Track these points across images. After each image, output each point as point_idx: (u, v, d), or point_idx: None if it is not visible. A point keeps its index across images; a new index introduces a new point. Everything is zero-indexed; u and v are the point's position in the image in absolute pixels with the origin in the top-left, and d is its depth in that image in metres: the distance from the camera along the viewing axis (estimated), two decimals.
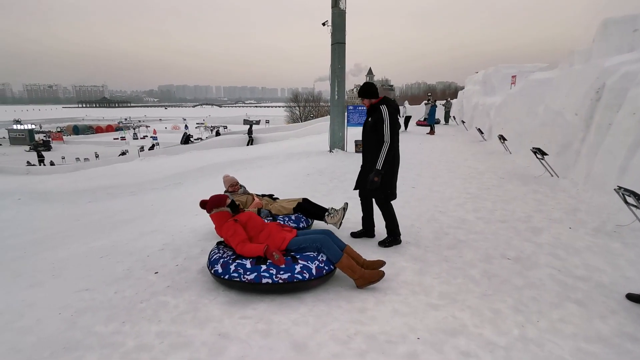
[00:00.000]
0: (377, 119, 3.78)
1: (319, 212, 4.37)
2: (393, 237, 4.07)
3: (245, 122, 59.25)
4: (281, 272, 2.91)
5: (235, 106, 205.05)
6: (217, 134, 23.79)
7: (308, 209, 4.45)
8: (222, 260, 3.12)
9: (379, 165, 3.75)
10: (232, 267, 3.00)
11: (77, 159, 30.80)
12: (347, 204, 4.28)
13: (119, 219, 7.35)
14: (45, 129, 50.29)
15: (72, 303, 3.04)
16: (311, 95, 49.84)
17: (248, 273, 2.93)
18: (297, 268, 2.94)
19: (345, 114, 10.85)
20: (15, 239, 7.24)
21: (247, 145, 21.96)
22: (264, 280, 2.90)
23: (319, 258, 3.08)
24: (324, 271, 3.04)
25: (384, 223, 4.14)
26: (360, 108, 10.98)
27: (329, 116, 12.21)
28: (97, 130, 53.63)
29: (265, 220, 3.74)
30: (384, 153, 3.74)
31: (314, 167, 8.48)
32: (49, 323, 2.75)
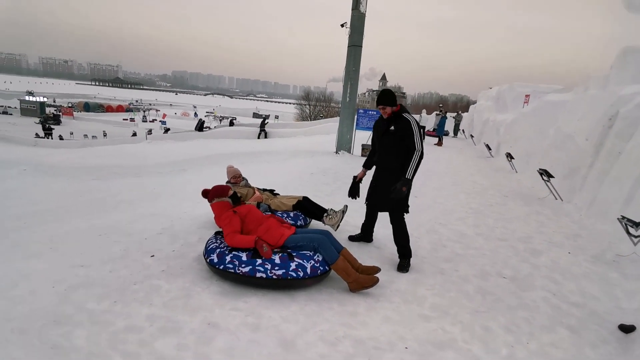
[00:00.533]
0: (402, 128, 3.58)
1: (318, 211, 4.35)
2: (409, 257, 3.80)
3: (255, 115, 59.39)
4: (276, 268, 2.91)
5: (246, 99, 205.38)
6: (231, 123, 23.89)
7: (307, 208, 4.42)
8: (218, 250, 3.14)
9: (410, 174, 3.47)
10: (228, 258, 3.01)
11: (85, 135, 31.02)
12: (346, 206, 4.19)
13: (121, 199, 7.37)
14: (57, 103, 50.66)
15: (67, 278, 3.06)
16: (322, 95, 49.87)
17: (243, 265, 2.94)
18: (292, 266, 2.94)
19: (355, 117, 10.85)
20: (17, 209, 7.28)
21: (258, 138, 22.02)
22: (258, 275, 2.91)
23: (315, 258, 3.08)
24: (319, 271, 3.04)
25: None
26: (370, 112, 10.97)
27: (338, 117, 12.20)
28: (108, 109, 53.96)
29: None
30: (416, 162, 3.50)
31: (318, 167, 8.49)
32: (42, 295, 2.77)
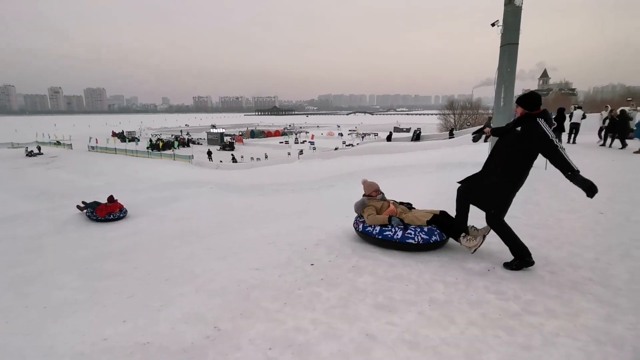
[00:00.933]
0: (528, 129, 3.30)
1: (456, 228, 4.01)
2: (521, 260, 3.53)
3: (396, 129, 59.38)
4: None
5: (387, 114, 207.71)
6: (389, 139, 25.08)
7: (444, 222, 4.12)
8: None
9: (575, 167, 3.09)
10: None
11: (252, 158, 36.50)
12: (489, 229, 3.74)
13: (280, 212, 8.36)
14: (231, 133, 61.47)
15: (247, 278, 3.62)
16: (469, 102, 46.39)
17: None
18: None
19: None
20: (208, 220, 9.06)
21: (412, 140, 22.93)
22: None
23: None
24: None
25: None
26: None
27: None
28: (268, 134, 62.43)
29: (397, 229, 4.11)
30: (567, 156, 3.14)
31: None
32: (230, 291, 3.34)
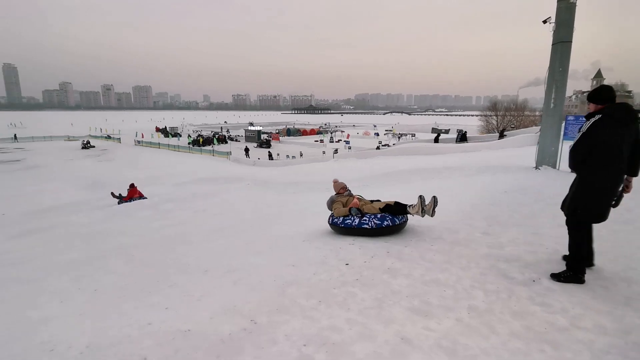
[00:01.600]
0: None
1: (403, 208, 4.86)
2: (573, 272, 3.30)
3: (434, 130, 57.92)
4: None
5: (425, 114, 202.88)
6: (436, 140, 24.59)
7: (395, 209, 4.92)
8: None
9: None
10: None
11: (287, 156, 37.00)
12: (434, 197, 4.64)
13: (315, 211, 8.40)
14: (268, 130, 62.61)
15: (283, 274, 3.68)
16: (513, 103, 44.26)
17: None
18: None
19: (563, 125, 9.12)
20: (245, 215, 9.30)
21: (457, 142, 22.67)
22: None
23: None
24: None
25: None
26: (583, 119, 9.02)
27: (533, 127, 10.51)
28: (303, 133, 62.97)
29: (355, 218, 5.00)
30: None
31: (513, 184, 7.50)
32: (267, 286, 3.41)
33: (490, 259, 3.83)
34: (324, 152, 35.59)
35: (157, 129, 64.96)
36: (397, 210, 4.88)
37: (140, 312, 3.19)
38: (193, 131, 62.59)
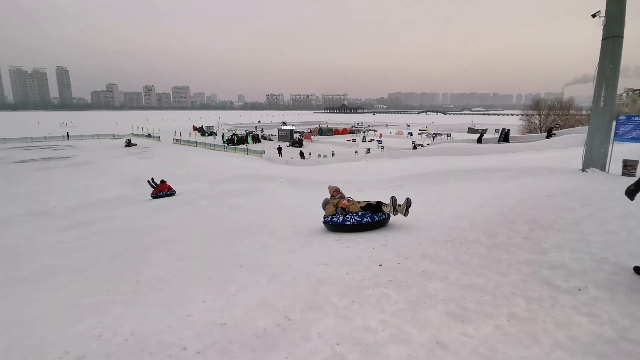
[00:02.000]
0: None
1: (379, 207, 5.60)
2: None
3: (470, 130, 56.08)
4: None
5: (461, 114, 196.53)
6: (479, 140, 23.66)
7: (374, 208, 5.65)
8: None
9: None
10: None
11: (319, 155, 37.14)
12: (407, 199, 5.42)
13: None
14: (300, 130, 63.15)
15: (315, 273, 3.70)
16: (558, 101, 41.90)
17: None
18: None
19: (613, 125, 8.53)
20: (278, 213, 9.43)
21: (499, 141, 22.15)
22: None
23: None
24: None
25: None
26: (636, 119, 8.39)
27: (580, 127, 9.91)
28: (335, 132, 62.92)
29: (340, 216, 5.87)
30: None
31: (557, 187, 7.11)
32: (300, 284, 3.44)
33: (532, 265, 3.66)
34: (356, 152, 35.40)
35: (194, 128, 67.29)
36: (376, 208, 5.65)
37: (179, 303, 3.33)
38: (228, 130, 64.24)
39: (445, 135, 49.30)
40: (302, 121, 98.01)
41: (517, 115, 53.84)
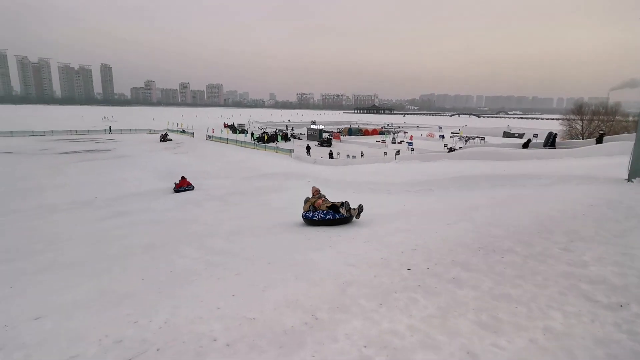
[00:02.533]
0: None
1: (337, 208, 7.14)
2: None
3: (506, 134, 54.14)
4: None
5: (496, 117, 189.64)
6: (525, 146, 22.43)
7: (336, 208, 7.13)
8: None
9: None
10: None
11: (348, 155, 37.04)
12: (360, 205, 7.18)
13: (376, 212, 8.31)
14: (329, 129, 63.22)
15: (343, 273, 3.70)
16: (602, 106, 39.59)
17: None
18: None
19: None
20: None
21: (545, 146, 21.29)
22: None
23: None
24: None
25: None
26: None
27: (626, 134, 9.30)
28: (365, 132, 62.45)
29: (311, 212, 7.33)
30: None
31: (600, 197, 6.73)
32: (327, 284, 3.45)
33: (571, 278, 3.49)
34: (385, 153, 35.00)
35: (226, 125, 68.87)
36: (336, 209, 7.13)
37: (210, 296, 3.42)
38: (258, 128, 65.34)
39: (479, 138, 47.79)
40: (331, 121, 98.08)
41: (558, 119, 51.39)
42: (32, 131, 46.12)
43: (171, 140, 45.11)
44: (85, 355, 2.50)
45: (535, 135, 41.60)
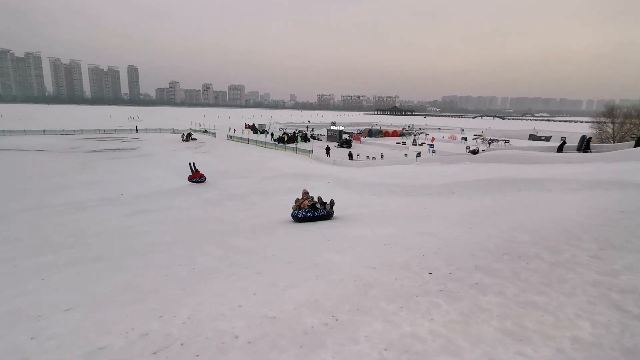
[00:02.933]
0: None
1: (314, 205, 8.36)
2: None
3: (532, 137, 52.63)
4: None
5: (521, 119, 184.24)
6: (560, 149, 21.74)
7: (314, 206, 8.28)
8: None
9: None
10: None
11: (367, 157, 36.83)
12: (332, 200, 8.74)
13: (397, 215, 8.26)
14: (349, 130, 63.10)
15: (363, 275, 3.69)
16: (635, 109, 37.85)
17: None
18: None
19: None
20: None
21: (579, 150, 20.83)
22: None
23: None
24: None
25: None
26: None
27: None
28: (385, 134, 61.93)
29: (296, 211, 8.40)
30: None
31: (632, 204, 6.44)
32: (348, 285, 3.45)
33: (600, 287, 3.36)
34: (406, 155, 34.60)
35: (247, 126, 69.73)
36: (315, 207, 8.27)
37: (232, 294, 3.48)
38: (278, 129, 65.85)
39: (503, 141, 46.55)
40: (351, 122, 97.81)
41: (587, 122, 49.51)
42: (63, 130, 48.08)
43: (196, 139, 46.06)
44: (113, 347, 2.59)
45: (563, 139, 40.23)
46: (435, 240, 4.97)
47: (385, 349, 2.44)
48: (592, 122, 40.66)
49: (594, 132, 38.02)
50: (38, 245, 7.82)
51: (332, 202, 8.56)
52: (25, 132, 43.64)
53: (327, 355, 2.38)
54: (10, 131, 42.62)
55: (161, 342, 2.61)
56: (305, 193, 8.92)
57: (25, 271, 5.64)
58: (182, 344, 2.57)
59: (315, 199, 8.62)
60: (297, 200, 8.73)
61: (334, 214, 8.57)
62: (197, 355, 2.42)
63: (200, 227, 8.84)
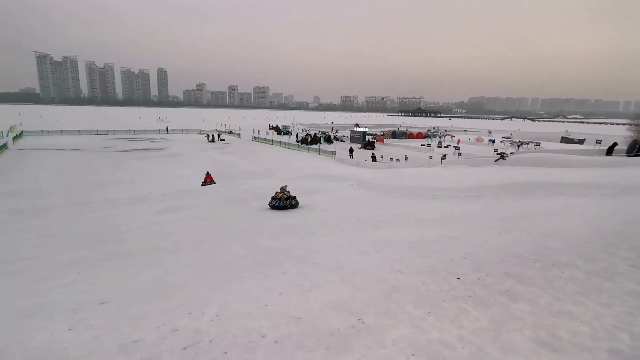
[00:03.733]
0: None
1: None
2: None
3: (564, 139, 50.57)
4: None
5: (552, 121, 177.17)
6: (610, 151, 21.11)
7: (284, 197, 11.29)
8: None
9: None
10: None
11: (391, 159, 36.44)
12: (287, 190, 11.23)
13: (421, 218, 8.13)
14: (373, 132, 62.64)
15: (389, 279, 3.65)
16: None
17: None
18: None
19: None
20: (348, 214, 9.48)
21: (628, 154, 20.05)
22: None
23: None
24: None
25: None
26: None
27: None
28: (409, 136, 61.08)
29: (273, 201, 11.30)
30: None
31: None
32: (373, 288, 3.43)
33: None
34: (431, 157, 33.97)
35: (271, 127, 70.50)
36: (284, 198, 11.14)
37: (258, 293, 3.53)
38: (302, 130, 66.19)
39: (533, 144, 44.93)
40: (375, 123, 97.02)
41: (624, 124, 47.07)
42: (97, 130, 50.21)
43: (223, 140, 46.97)
44: (146, 341, 2.68)
45: (599, 142, 38.39)
46: (463, 244, 4.86)
47: (413, 354, 2.41)
48: (630, 124, 38.60)
49: (632, 134, 36.08)
50: (73, 240, 8.18)
51: (294, 197, 11.49)
52: (62, 132, 45.91)
53: (353, 357, 2.38)
54: (48, 131, 44.98)
55: (191, 338, 2.68)
56: (283, 188, 11.57)
57: (62, 265, 5.91)
58: (210, 341, 2.63)
59: (291, 194, 11.46)
60: (276, 193, 11.44)
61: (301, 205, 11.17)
62: (225, 353, 2.46)
63: (225, 226, 9.01)
